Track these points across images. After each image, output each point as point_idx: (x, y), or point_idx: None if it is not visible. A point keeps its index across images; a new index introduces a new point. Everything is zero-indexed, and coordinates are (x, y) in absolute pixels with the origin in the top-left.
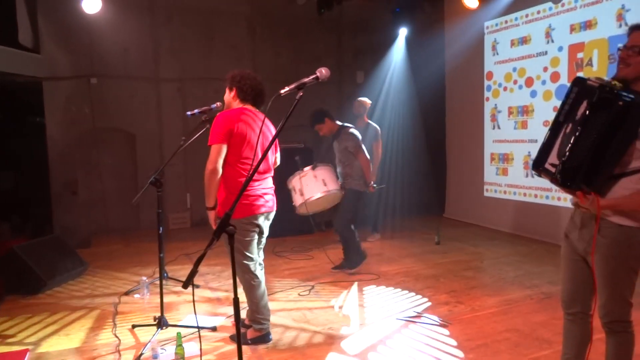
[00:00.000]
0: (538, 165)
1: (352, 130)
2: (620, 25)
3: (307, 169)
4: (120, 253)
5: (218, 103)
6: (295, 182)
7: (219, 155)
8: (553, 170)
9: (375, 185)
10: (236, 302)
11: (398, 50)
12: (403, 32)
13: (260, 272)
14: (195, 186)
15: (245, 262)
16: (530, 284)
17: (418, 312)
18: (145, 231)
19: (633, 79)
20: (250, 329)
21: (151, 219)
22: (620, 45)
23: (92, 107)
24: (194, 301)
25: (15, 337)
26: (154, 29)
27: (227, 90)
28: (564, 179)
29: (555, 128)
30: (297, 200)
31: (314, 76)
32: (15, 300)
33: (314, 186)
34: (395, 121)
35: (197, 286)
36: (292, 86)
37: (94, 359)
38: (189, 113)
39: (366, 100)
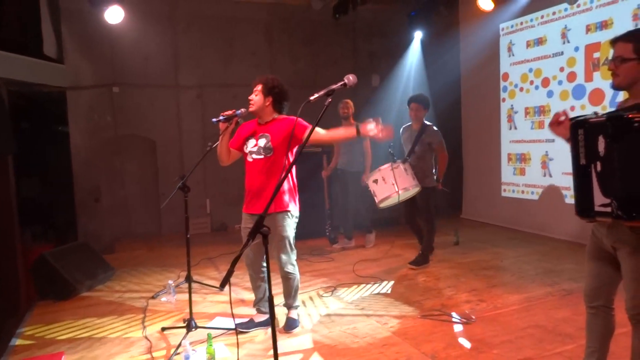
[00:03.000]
0: (588, 212)
1: (436, 128)
2: (637, 25)
3: (398, 161)
4: (144, 258)
5: (243, 109)
6: (386, 172)
7: None
8: (609, 209)
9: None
10: (271, 301)
11: (413, 53)
12: (418, 35)
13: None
14: (215, 192)
15: (294, 255)
16: (551, 282)
17: (441, 311)
18: (167, 236)
19: (627, 85)
20: (293, 311)
21: (172, 223)
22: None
23: (114, 115)
24: (230, 302)
25: (50, 341)
26: (174, 37)
27: (262, 95)
28: (628, 212)
29: (582, 172)
30: (386, 191)
31: (342, 83)
32: (48, 306)
33: (406, 179)
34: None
35: (222, 290)
36: (322, 93)
37: None
38: (214, 120)
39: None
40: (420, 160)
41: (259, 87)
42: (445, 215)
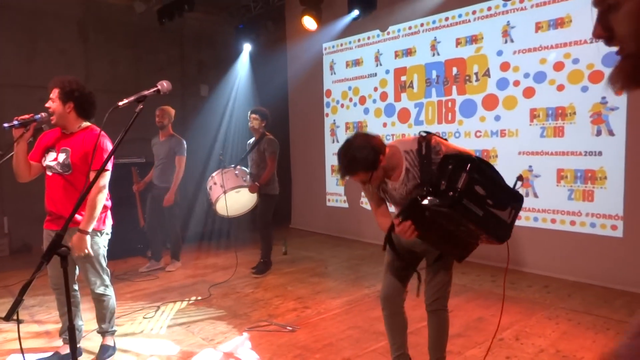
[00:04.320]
0: (510, 230)
1: (274, 138)
2: (434, 55)
3: (229, 167)
4: None
5: (43, 114)
6: (217, 177)
7: None
8: (515, 212)
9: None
10: (72, 330)
11: (242, 66)
12: (247, 47)
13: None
14: (14, 208)
15: (107, 275)
16: (369, 284)
17: (268, 321)
18: None
19: (382, 181)
20: (108, 338)
21: None
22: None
23: None
24: (19, 336)
25: None
26: None
27: (59, 102)
28: (521, 199)
29: (486, 218)
30: (217, 193)
31: (155, 89)
32: None
33: (235, 180)
34: (240, 135)
35: (21, 321)
36: (132, 98)
37: None
38: (6, 125)
39: (171, 108)
40: (260, 168)
41: (55, 93)
42: (274, 226)
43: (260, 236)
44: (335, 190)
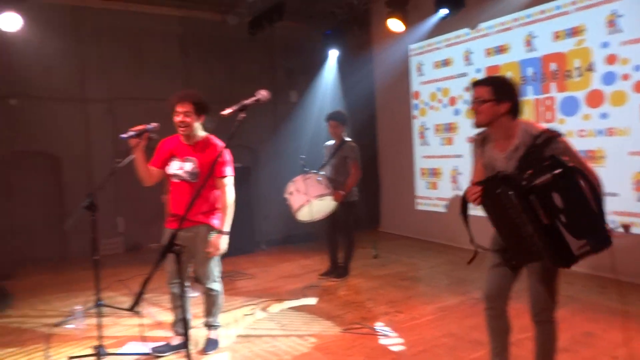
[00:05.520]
0: (572, 261)
1: (354, 144)
2: (530, 50)
3: (311, 172)
4: (48, 283)
5: (153, 124)
6: (299, 182)
7: None
8: (588, 248)
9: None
10: (185, 322)
11: (329, 71)
12: (334, 53)
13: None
14: (128, 210)
15: (220, 272)
16: (463, 290)
17: (361, 324)
18: (74, 259)
19: (487, 123)
20: (213, 331)
21: (80, 246)
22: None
23: (12, 129)
24: (142, 326)
25: None
26: (79, 48)
27: (194, 116)
28: (605, 242)
29: (548, 231)
30: (299, 200)
31: (254, 98)
32: None
33: (318, 187)
34: (328, 139)
35: (138, 312)
36: (234, 108)
37: None
38: (124, 136)
39: None
40: (339, 174)
41: (190, 108)
42: (364, 229)
43: (343, 242)
44: (425, 193)
